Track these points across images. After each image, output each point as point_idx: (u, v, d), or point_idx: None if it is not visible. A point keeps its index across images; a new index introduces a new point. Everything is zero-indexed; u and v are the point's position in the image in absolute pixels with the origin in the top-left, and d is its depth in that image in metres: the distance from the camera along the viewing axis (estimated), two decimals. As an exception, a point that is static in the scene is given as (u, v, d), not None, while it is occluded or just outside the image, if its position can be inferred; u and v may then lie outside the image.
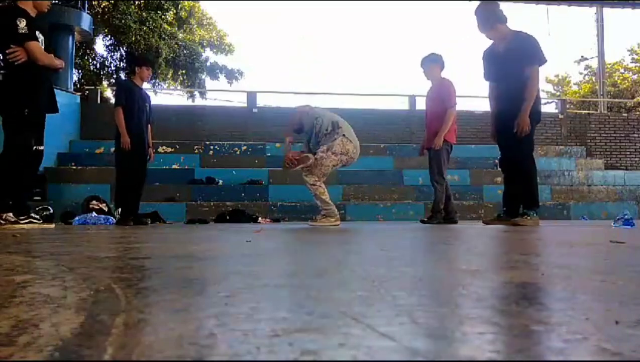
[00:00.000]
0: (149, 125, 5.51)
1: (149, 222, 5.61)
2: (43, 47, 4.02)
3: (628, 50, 24.39)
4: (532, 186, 4.35)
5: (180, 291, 0.82)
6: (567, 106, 12.95)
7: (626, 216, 3.98)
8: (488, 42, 4.52)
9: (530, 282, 0.94)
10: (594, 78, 20.61)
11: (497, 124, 4.48)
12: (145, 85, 5.70)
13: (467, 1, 12.62)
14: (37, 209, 5.57)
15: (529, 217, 4.25)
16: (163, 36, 14.76)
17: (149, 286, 0.89)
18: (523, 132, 4.19)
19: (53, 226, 4.41)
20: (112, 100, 5.93)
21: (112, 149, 5.53)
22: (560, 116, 10.95)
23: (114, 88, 9.33)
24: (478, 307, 0.68)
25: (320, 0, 24.83)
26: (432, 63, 5.20)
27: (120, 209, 5.25)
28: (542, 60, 4.25)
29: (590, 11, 13.96)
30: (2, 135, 3.97)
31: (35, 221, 3.95)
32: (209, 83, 16.79)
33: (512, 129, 4.22)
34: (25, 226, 3.68)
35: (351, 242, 2.30)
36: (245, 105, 10.74)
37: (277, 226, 5.37)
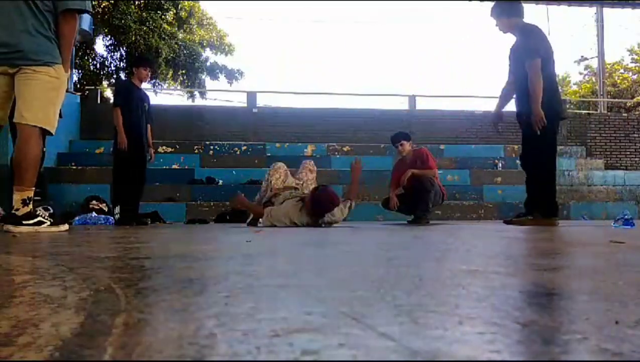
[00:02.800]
0: (149, 125, 5.51)
1: (149, 222, 5.61)
2: None
3: (628, 50, 24.40)
4: (547, 192, 4.24)
5: (180, 291, 0.82)
6: (567, 106, 12.96)
7: (626, 216, 3.98)
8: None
9: (530, 282, 0.94)
10: (594, 78, 20.62)
11: (520, 124, 4.43)
12: (146, 85, 5.71)
13: (470, 1, 12.64)
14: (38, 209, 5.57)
15: (530, 217, 4.25)
16: (163, 36, 14.75)
17: (149, 286, 0.89)
18: (538, 128, 4.12)
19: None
20: (112, 101, 6.00)
21: (111, 148, 5.53)
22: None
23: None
24: (478, 307, 0.68)
25: (321, 0, 24.81)
26: (404, 140, 5.59)
27: (118, 208, 5.23)
28: (539, 54, 4.13)
29: (590, 11, 13.98)
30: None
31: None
32: (209, 83, 16.79)
33: (526, 130, 4.25)
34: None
35: (351, 242, 2.30)
36: (245, 105, 10.75)
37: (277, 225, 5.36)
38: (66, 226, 3.46)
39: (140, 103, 5.35)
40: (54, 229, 3.25)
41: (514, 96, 4.50)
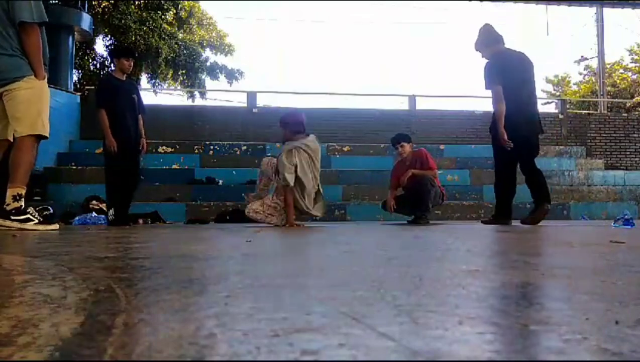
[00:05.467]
0: (140, 116, 5.25)
1: (141, 222, 5.54)
2: None
3: (627, 50, 24.37)
4: (500, 201, 4.78)
5: (180, 291, 0.82)
6: (567, 106, 12.96)
7: (626, 216, 3.98)
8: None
9: (530, 282, 0.94)
10: (593, 78, 20.63)
11: None
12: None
13: (470, 0, 12.65)
14: (37, 209, 5.54)
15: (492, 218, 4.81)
16: (163, 36, 14.74)
17: (149, 286, 0.89)
18: (504, 143, 4.62)
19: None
20: (95, 101, 5.59)
21: (100, 149, 5.38)
22: (560, 116, 10.95)
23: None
24: (478, 307, 0.68)
25: (323, 0, 24.73)
26: (404, 141, 5.57)
27: (113, 210, 5.13)
28: (487, 85, 4.62)
29: (590, 11, 14.00)
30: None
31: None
32: (209, 83, 16.77)
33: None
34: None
35: (351, 242, 2.30)
36: (245, 105, 10.75)
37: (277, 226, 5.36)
38: (55, 226, 3.62)
39: (127, 96, 5.11)
40: (40, 227, 3.43)
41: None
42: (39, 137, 3.55)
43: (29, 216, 3.44)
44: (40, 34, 3.52)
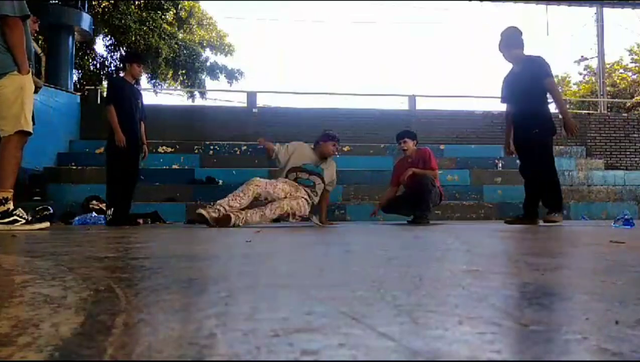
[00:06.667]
0: (142, 122, 5.40)
1: (141, 222, 5.54)
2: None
3: (627, 50, 24.37)
4: (558, 193, 4.89)
5: (180, 291, 0.82)
6: (567, 106, 12.97)
7: (626, 216, 3.98)
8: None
9: (530, 282, 0.94)
10: (593, 78, 20.62)
11: (518, 140, 4.91)
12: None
13: (470, 0, 12.65)
14: (37, 209, 5.54)
15: (556, 215, 4.67)
16: (163, 36, 14.75)
17: (149, 286, 0.89)
18: (577, 132, 4.81)
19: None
20: (105, 97, 5.78)
21: (103, 148, 5.40)
22: (560, 116, 10.94)
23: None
24: (478, 307, 0.68)
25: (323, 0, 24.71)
26: (408, 138, 5.62)
27: (112, 209, 5.14)
28: (548, 74, 4.71)
29: (590, 11, 14.00)
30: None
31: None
32: (209, 83, 16.78)
33: (531, 143, 4.74)
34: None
35: (351, 242, 2.30)
36: (245, 105, 10.75)
37: (277, 225, 5.37)
38: (45, 224, 3.66)
39: (133, 99, 5.24)
40: (27, 227, 3.47)
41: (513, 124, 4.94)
42: (24, 134, 3.55)
43: (15, 217, 3.47)
44: (23, 28, 3.51)
